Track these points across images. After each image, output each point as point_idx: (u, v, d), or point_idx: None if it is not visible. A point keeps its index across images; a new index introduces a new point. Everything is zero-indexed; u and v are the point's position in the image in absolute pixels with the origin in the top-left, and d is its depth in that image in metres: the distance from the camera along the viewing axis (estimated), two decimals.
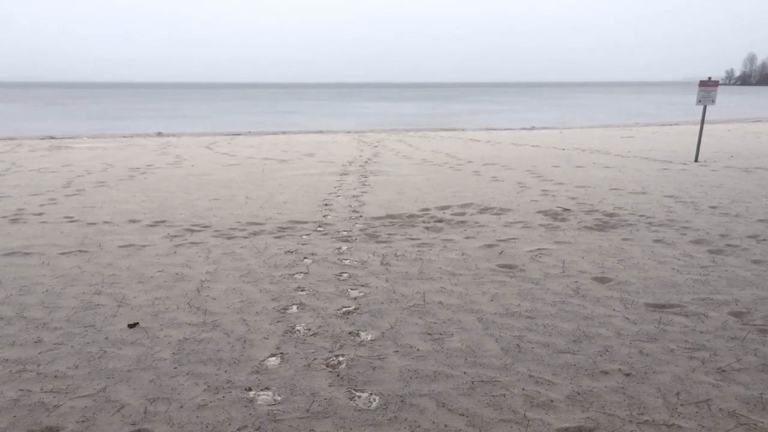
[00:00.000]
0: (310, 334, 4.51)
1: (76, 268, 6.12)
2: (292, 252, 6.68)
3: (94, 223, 8.13)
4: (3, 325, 4.68)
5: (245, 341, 4.38)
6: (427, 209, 8.96)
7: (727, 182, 11.20)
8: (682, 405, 3.47)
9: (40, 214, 8.69)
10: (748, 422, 3.29)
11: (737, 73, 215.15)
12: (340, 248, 6.85)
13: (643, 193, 10.17)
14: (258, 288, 5.52)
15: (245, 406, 3.50)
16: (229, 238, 7.29)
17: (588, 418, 3.35)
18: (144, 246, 6.97)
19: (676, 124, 29.49)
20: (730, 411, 3.41)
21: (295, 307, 5.06)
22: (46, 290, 5.47)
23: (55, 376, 3.86)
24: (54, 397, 3.60)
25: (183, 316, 4.87)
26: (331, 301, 5.20)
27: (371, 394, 3.64)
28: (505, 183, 11.33)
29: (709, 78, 14.42)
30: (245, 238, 7.33)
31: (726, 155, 15.53)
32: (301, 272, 5.98)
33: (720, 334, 4.46)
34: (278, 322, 4.73)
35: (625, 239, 7.12)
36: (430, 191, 10.46)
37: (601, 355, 4.12)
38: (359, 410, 3.46)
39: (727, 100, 61.67)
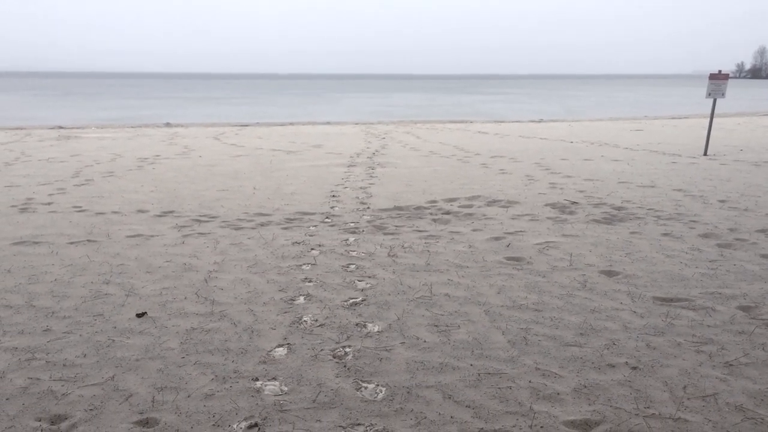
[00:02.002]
0: (317, 325, 4.52)
1: (85, 258, 6.15)
2: (299, 243, 6.69)
3: (103, 213, 8.16)
4: (12, 313, 4.72)
5: (252, 331, 4.40)
6: (434, 201, 8.95)
7: (737, 176, 11.14)
8: (688, 399, 3.47)
9: (49, 204, 8.74)
10: (755, 416, 3.29)
11: (748, 66, 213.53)
12: (347, 240, 6.85)
13: (652, 186, 10.13)
14: (265, 279, 5.54)
15: (252, 396, 3.52)
16: (236, 229, 7.31)
17: (594, 411, 3.35)
18: (152, 236, 7.00)
19: (685, 117, 29.34)
20: (737, 405, 3.40)
21: (302, 297, 5.07)
22: (55, 279, 5.51)
23: (64, 365, 3.89)
24: (62, 386, 3.63)
25: (190, 306, 4.89)
26: (338, 292, 5.21)
27: (378, 385, 3.65)
28: (513, 175, 11.31)
29: (720, 71, 14.33)
30: (253, 228, 7.35)
31: (736, 149, 15.44)
32: (309, 263, 5.99)
33: (728, 328, 4.45)
34: (285, 312, 4.75)
35: (633, 233, 7.10)
36: (438, 183, 10.45)
37: (607, 349, 4.11)
38: (366, 401, 3.47)
39: (737, 93, 61.25)
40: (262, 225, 7.53)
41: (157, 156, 14.20)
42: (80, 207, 8.56)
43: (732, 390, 3.56)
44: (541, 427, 3.21)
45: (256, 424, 3.24)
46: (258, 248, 6.50)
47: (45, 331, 4.40)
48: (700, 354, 4.03)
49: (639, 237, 6.91)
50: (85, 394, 3.53)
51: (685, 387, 3.60)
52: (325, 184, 10.42)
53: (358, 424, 3.25)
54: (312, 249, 6.48)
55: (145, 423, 3.26)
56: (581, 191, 9.68)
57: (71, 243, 6.70)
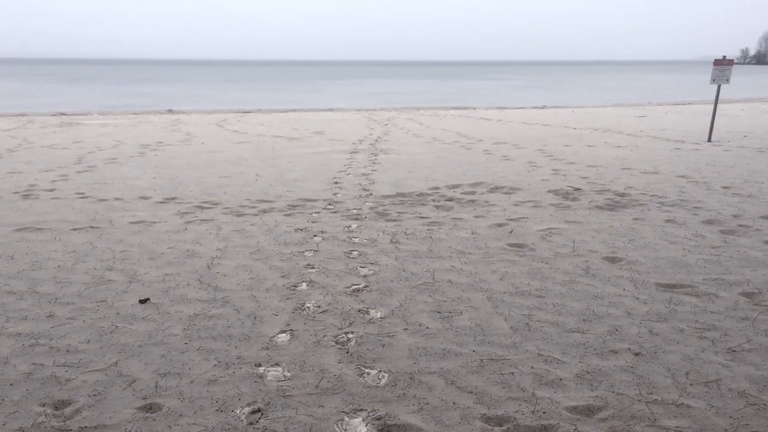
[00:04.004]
0: (320, 311, 4.52)
1: (88, 244, 6.16)
2: (301, 230, 6.69)
3: (105, 200, 8.16)
4: (16, 299, 4.73)
5: (255, 318, 4.40)
6: (437, 188, 8.93)
7: (741, 162, 11.09)
8: (691, 385, 3.47)
9: (51, 190, 8.74)
10: (758, 402, 3.28)
11: (752, 52, 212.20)
12: (349, 226, 6.85)
13: (655, 172, 10.10)
14: (268, 265, 5.54)
15: (255, 382, 3.53)
16: (239, 216, 7.31)
17: (597, 396, 3.35)
18: (155, 222, 7.00)
19: (689, 104, 29.20)
20: (739, 391, 3.40)
21: (304, 284, 5.07)
22: (58, 265, 5.51)
23: (67, 351, 3.90)
24: (66, 371, 3.64)
25: (193, 292, 4.89)
26: (340, 278, 5.21)
27: (380, 371, 3.66)
28: (516, 162, 11.27)
29: (724, 57, 14.23)
30: (255, 215, 7.34)
31: (739, 135, 15.37)
32: (311, 250, 5.98)
33: (731, 314, 4.44)
34: (288, 299, 4.75)
35: (636, 219, 7.08)
36: (440, 170, 10.43)
37: (610, 335, 4.11)
38: (368, 387, 3.48)
39: (741, 79, 60.92)
40: (264, 212, 7.52)
41: (160, 142, 14.18)
42: (83, 193, 8.55)
43: (735, 376, 3.56)
44: (544, 412, 3.22)
45: (258, 410, 3.25)
46: (260, 235, 6.50)
47: (48, 316, 4.41)
48: (703, 340, 4.03)
49: (642, 223, 6.89)
50: (88, 380, 3.54)
51: (687, 373, 3.60)
52: (327, 171, 10.40)
53: (361, 410, 3.25)
54: (314, 235, 6.48)
55: (148, 408, 3.27)
56: (584, 177, 9.65)
57: (74, 229, 6.70)
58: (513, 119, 20.49)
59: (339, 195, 8.50)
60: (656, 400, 3.32)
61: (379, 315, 4.45)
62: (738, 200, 8.00)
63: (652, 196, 8.32)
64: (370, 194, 8.53)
